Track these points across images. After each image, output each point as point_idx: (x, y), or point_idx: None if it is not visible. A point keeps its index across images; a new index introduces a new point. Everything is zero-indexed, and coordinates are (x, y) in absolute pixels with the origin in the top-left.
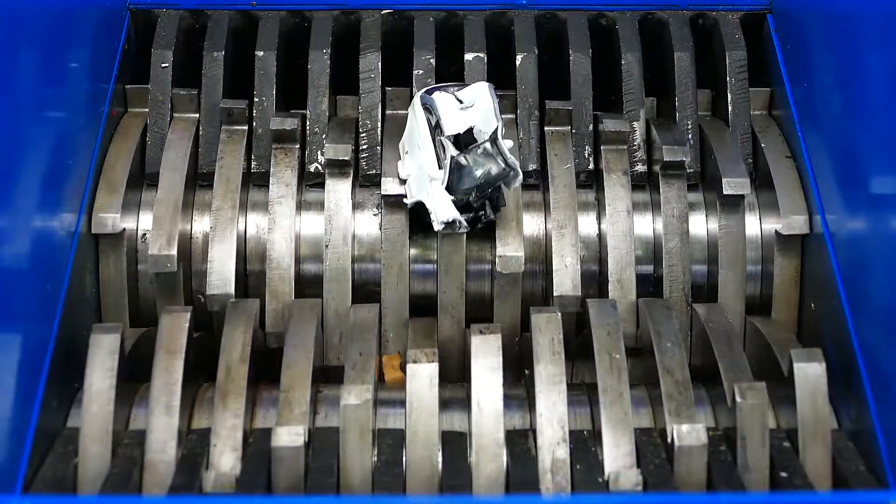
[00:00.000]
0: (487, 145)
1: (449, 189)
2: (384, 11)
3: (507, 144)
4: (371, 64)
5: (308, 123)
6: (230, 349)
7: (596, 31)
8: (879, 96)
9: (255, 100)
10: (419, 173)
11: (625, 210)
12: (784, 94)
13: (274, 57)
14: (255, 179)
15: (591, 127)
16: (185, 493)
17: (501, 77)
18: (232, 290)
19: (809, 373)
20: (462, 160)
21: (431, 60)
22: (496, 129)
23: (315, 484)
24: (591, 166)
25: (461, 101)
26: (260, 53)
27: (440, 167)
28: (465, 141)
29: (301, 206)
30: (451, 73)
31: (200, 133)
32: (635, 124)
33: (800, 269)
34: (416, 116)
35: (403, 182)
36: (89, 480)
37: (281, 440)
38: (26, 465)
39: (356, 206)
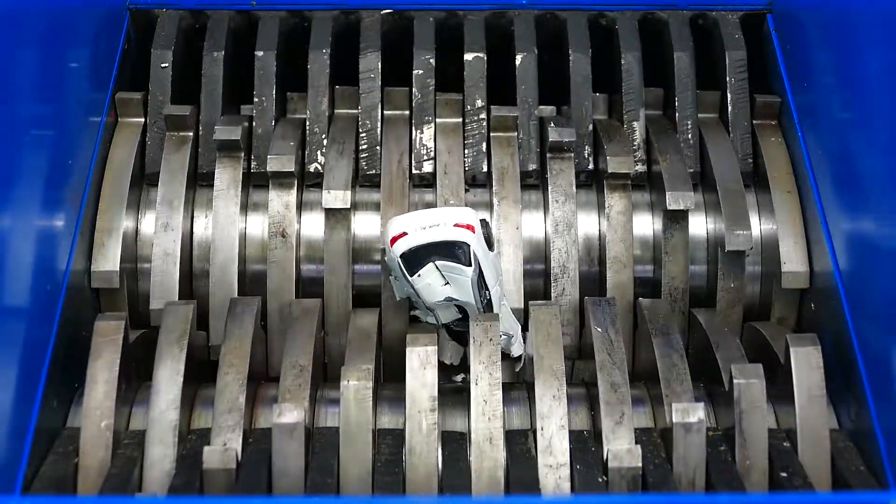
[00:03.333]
0: None
1: (447, 332)
2: (384, 11)
3: None
4: (371, 64)
5: (308, 124)
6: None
7: (596, 31)
8: (879, 96)
9: (255, 100)
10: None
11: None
12: (784, 93)
13: (274, 57)
14: (255, 179)
15: (590, 127)
16: (185, 493)
17: (501, 77)
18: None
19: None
20: (456, 330)
21: (431, 60)
22: None
23: (315, 484)
24: (591, 166)
25: (444, 279)
26: (260, 53)
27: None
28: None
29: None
30: (451, 73)
31: (200, 133)
32: (635, 124)
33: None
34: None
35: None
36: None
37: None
38: (26, 465)
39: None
